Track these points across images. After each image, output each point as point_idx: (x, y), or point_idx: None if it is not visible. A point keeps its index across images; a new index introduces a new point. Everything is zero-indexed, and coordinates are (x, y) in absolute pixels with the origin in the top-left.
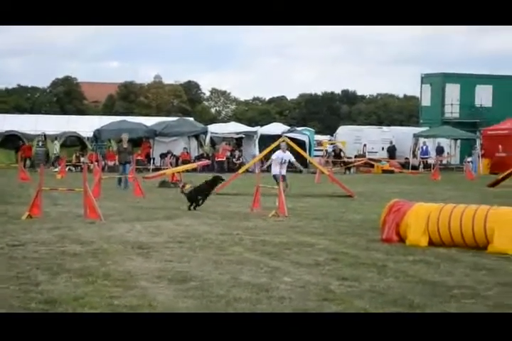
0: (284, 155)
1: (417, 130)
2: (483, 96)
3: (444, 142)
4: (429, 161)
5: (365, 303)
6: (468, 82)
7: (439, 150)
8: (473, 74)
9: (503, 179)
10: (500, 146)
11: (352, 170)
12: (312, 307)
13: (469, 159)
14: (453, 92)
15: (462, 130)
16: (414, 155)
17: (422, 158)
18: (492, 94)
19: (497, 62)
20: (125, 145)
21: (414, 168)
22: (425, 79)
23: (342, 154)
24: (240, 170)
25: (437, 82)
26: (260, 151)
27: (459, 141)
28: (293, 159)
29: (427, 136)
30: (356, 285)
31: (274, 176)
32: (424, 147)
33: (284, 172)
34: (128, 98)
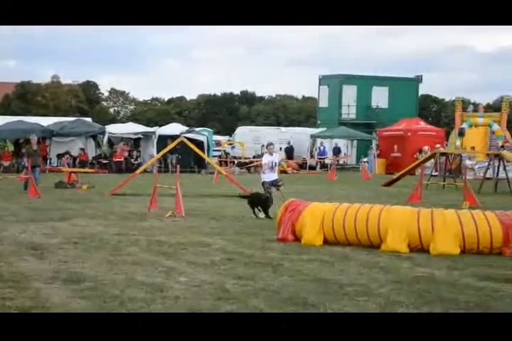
0: (273, 158)
1: (315, 131)
2: (379, 97)
3: (341, 142)
4: (326, 161)
5: (259, 302)
6: (364, 84)
7: (336, 151)
8: (370, 76)
9: (398, 179)
10: (395, 147)
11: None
12: (207, 306)
13: (365, 159)
14: (350, 94)
15: (358, 131)
16: (312, 156)
17: (320, 159)
18: (388, 95)
19: (393, 64)
20: (35, 148)
21: (312, 168)
22: (323, 80)
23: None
24: (138, 171)
25: (335, 83)
26: (158, 152)
27: (355, 142)
28: (279, 160)
29: (324, 137)
30: (251, 284)
31: (264, 183)
32: (322, 147)
33: (275, 176)
34: (25, 98)
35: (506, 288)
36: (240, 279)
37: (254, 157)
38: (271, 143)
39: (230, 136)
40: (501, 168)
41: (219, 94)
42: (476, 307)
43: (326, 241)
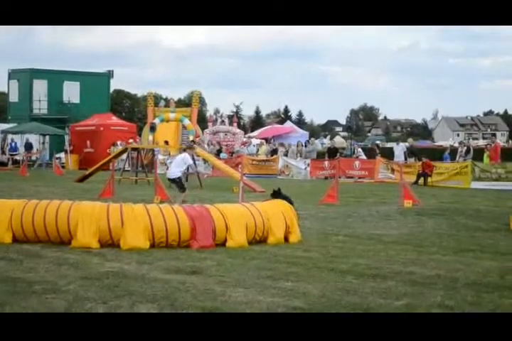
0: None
1: (5, 126)
2: (71, 92)
3: (33, 138)
4: (18, 157)
5: None
6: (55, 78)
7: (28, 147)
8: (61, 70)
9: (91, 174)
10: (88, 142)
11: None
12: None
13: (58, 155)
14: (40, 88)
15: (51, 126)
16: (3, 152)
17: (11, 155)
18: (80, 90)
19: (84, 59)
20: None
21: (4, 164)
22: (12, 74)
23: None
24: None
25: (25, 77)
26: None
27: (48, 137)
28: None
29: (15, 132)
30: None
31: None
32: (13, 143)
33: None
34: None
35: (192, 280)
36: None
37: None
38: None
39: None
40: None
41: None
42: (163, 299)
43: (15, 239)
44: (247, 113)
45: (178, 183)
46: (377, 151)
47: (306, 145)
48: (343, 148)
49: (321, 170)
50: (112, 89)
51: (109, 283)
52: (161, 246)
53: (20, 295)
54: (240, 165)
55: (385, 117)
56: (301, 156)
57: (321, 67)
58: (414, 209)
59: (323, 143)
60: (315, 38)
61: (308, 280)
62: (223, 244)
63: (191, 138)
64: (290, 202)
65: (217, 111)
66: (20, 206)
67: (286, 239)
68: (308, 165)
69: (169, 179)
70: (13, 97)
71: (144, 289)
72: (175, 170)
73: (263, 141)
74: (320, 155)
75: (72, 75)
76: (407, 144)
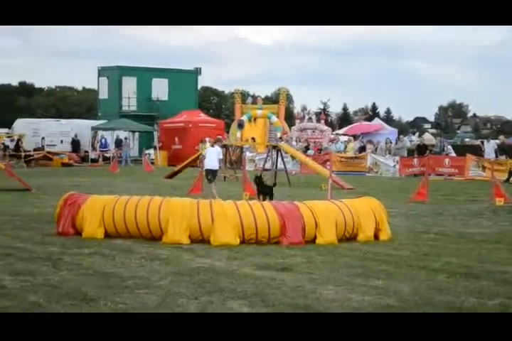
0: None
1: (96, 123)
2: (160, 89)
3: (123, 135)
4: (108, 154)
5: (38, 297)
6: (144, 76)
7: (118, 143)
8: (150, 67)
9: (180, 171)
10: (176, 139)
11: (32, 163)
12: None
13: (147, 151)
14: (129, 85)
15: (140, 123)
16: (94, 148)
17: (101, 151)
18: (168, 87)
19: (172, 56)
20: None
21: (94, 160)
22: (102, 71)
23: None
24: None
25: (114, 75)
26: None
27: (137, 134)
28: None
29: (105, 129)
30: (30, 280)
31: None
32: (103, 140)
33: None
34: None
35: (283, 277)
36: (18, 275)
37: (34, 150)
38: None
39: (9, 128)
40: (280, 160)
41: None
42: (254, 296)
43: (107, 235)
44: (335, 110)
45: (216, 175)
46: (483, 148)
47: (396, 143)
48: (433, 145)
49: (411, 168)
50: (199, 86)
51: (200, 278)
52: (251, 242)
53: (113, 290)
54: (328, 162)
55: (474, 114)
56: (390, 153)
57: (409, 64)
58: (506, 207)
59: (411, 140)
60: (403, 34)
61: (400, 279)
62: (313, 241)
63: (279, 135)
64: (270, 188)
65: (304, 108)
66: (111, 202)
67: (376, 236)
68: (397, 162)
69: (212, 170)
70: (103, 94)
71: (234, 285)
72: (217, 163)
73: (351, 138)
74: (409, 153)
75: (161, 72)
76: (497, 141)
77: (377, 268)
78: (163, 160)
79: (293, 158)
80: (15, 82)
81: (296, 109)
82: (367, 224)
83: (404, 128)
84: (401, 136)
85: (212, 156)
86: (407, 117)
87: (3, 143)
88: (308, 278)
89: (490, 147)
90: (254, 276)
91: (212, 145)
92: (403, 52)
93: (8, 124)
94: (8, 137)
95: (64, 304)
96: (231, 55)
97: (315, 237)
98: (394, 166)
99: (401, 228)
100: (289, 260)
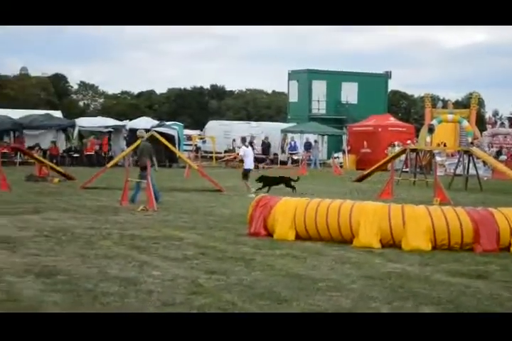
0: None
1: (285, 125)
2: (349, 93)
3: (312, 138)
4: (296, 157)
5: (232, 296)
6: (334, 79)
7: (307, 146)
8: (339, 71)
9: (369, 174)
10: (365, 142)
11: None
12: (180, 300)
13: (336, 155)
14: (319, 89)
15: (328, 126)
16: (283, 151)
17: (291, 154)
18: (357, 91)
19: (361, 59)
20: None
21: (283, 163)
22: (292, 75)
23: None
24: (109, 164)
25: (304, 78)
26: (128, 145)
27: (326, 137)
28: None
29: (295, 132)
30: (224, 279)
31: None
32: (293, 142)
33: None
34: None
35: (477, 284)
36: (212, 274)
37: (225, 151)
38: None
39: (201, 130)
40: (471, 165)
41: (189, 88)
42: (448, 303)
43: (298, 237)
44: None
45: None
46: None
47: None
48: None
49: None
50: (388, 90)
51: (392, 283)
52: (443, 248)
53: (305, 292)
54: None
55: None
56: None
57: None
58: None
59: None
60: None
61: None
62: (507, 248)
63: (470, 139)
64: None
65: (496, 113)
66: (303, 205)
67: None
68: None
69: (251, 170)
70: (293, 97)
71: (428, 291)
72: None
73: None
74: None
75: (350, 76)
76: None
77: None
78: (352, 163)
79: (485, 163)
80: (207, 85)
81: (488, 114)
82: None
83: None
84: None
85: (252, 157)
86: None
87: (195, 145)
88: (503, 286)
89: None
90: (448, 283)
91: (247, 146)
92: None
93: (201, 126)
94: (200, 139)
95: (258, 304)
96: (420, 58)
97: (509, 244)
98: None
99: None
100: (484, 267)
